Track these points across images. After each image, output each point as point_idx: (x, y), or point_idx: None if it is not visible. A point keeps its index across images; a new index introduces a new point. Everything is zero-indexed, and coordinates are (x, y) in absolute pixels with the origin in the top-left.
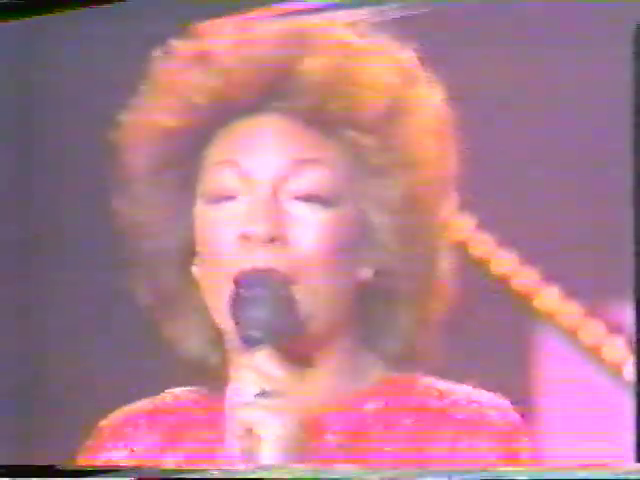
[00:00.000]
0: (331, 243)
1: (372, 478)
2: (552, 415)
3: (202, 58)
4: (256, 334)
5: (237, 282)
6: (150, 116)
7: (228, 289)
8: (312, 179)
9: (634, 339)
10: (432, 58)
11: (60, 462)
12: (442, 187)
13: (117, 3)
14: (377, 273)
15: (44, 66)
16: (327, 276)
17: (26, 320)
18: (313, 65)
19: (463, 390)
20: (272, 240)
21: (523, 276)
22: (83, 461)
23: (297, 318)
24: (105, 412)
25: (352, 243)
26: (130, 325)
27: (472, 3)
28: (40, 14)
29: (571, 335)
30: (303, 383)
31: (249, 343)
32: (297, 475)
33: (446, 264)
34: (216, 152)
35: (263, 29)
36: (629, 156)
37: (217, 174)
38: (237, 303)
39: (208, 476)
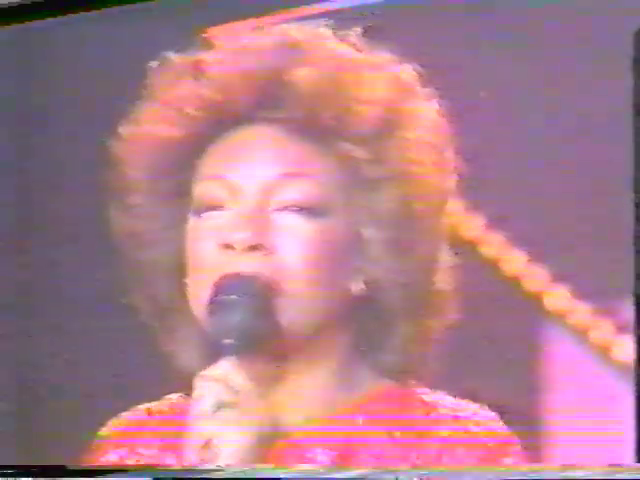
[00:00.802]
0: (318, 253)
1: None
2: (555, 415)
3: (196, 69)
4: (227, 341)
5: (214, 288)
6: (147, 127)
7: (207, 296)
8: (301, 190)
9: (636, 338)
10: (428, 68)
11: (70, 462)
12: (437, 201)
13: (115, 9)
14: (369, 286)
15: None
16: (312, 286)
17: (26, 325)
18: (307, 76)
19: (449, 404)
20: (254, 248)
21: (532, 276)
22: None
23: (273, 326)
24: (103, 418)
25: (341, 255)
26: (129, 333)
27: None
28: (43, 17)
29: (580, 335)
30: (278, 394)
31: (221, 349)
32: (305, 474)
33: (445, 277)
34: (207, 165)
35: (257, 40)
36: (633, 156)
37: (206, 187)
38: (212, 309)
39: (216, 476)
